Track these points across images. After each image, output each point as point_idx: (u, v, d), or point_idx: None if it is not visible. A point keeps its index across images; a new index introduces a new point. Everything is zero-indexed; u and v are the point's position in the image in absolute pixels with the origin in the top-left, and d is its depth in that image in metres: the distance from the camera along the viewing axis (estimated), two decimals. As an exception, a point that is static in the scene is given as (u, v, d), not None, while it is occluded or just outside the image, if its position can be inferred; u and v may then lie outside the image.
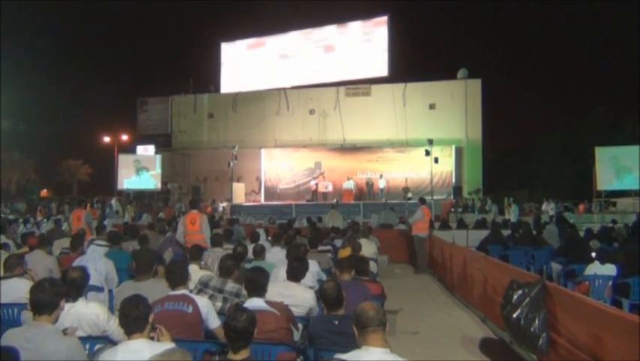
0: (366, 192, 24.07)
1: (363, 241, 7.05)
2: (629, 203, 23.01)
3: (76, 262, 4.77)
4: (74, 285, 3.16)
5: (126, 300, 2.59)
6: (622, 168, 20.78)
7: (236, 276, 4.09)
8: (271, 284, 4.04)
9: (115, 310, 3.36)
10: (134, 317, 2.51)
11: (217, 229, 8.97)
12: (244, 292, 3.62)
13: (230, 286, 3.94)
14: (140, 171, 25.95)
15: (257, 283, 3.41)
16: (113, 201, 22.16)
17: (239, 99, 29.38)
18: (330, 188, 24.00)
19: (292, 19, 30.20)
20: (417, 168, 24.66)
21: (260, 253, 5.53)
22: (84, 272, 3.39)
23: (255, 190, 27.19)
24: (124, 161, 26.31)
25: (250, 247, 5.89)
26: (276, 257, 5.74)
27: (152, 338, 2.61)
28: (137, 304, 2.55)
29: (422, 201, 11.28)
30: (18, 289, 3.79)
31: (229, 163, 22.70)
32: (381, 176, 24.30)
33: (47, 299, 2.64)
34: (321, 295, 3.40)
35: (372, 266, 6.26)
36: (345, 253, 6.00)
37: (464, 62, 31.68)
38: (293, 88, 28.71)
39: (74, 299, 3.13)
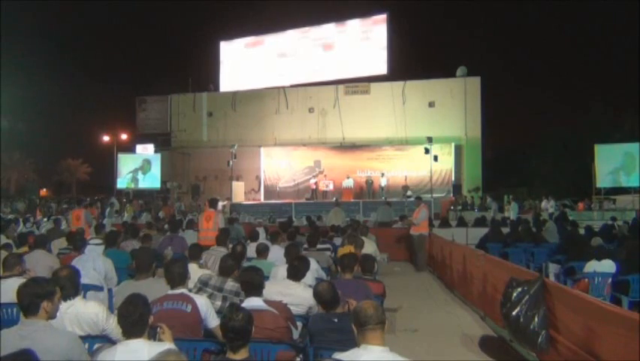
0: (365, 191, 24.08)
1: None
2: (628, 200, 23.03)
3: (75, 262, 4.77)
4: (67, 283, 3.12)
5: (125, 301, 2.56)
6: (625, 166, 20.83)
7: (236, 275, 4.08)
8: (271, 283, 4.04)
9: (114, 309, 3.34)
10: (133, 319, 2.49)
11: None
12: (243, 291, 3.61)
13: (230, 285, 3.93)
14: (148, 171, 25.98)
15: (253, 284, 3.40)
16: (114, 200, 22.13)
17: (238, 98, 29.34)
18: (331, 187, 24.00)
19: (291, 18, 30.22)
20: (416, 166, 24.66)
21: (263, 252, 5.50)
22: (73, 270, 3.34)
23: (254, 189, 27.19)
24: (129, 160, 26.34)
25: (249, 246, 5.88)
26: (275, 256, 5.72)
27: (153, 337, 2.59)
28: (137, 305, 2.52)
29: (420, 199, 11.35)
30: (16, 289, 3.77)
31: (228, 162, 22.69)
32: (382, 174, 24.27)
33: (26, 301, 2.60)
34: (315, 296, 3.38)
35: (372, 265, 6.25)
36: (345, 251, 5.97)
37: (463, 60, 31.60)
38: (292, 86, 28.68)
39: (72, 298, 3.12)
